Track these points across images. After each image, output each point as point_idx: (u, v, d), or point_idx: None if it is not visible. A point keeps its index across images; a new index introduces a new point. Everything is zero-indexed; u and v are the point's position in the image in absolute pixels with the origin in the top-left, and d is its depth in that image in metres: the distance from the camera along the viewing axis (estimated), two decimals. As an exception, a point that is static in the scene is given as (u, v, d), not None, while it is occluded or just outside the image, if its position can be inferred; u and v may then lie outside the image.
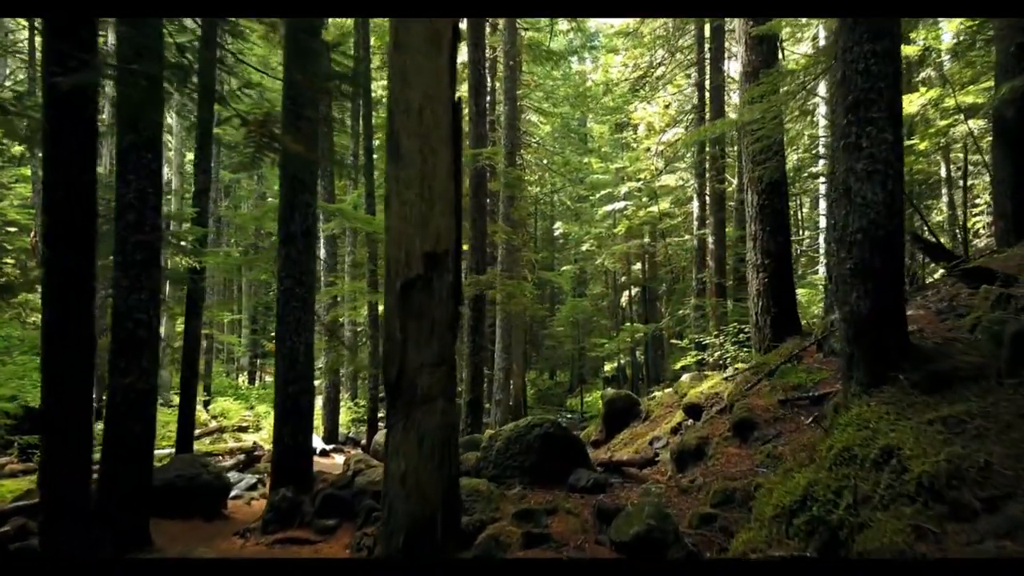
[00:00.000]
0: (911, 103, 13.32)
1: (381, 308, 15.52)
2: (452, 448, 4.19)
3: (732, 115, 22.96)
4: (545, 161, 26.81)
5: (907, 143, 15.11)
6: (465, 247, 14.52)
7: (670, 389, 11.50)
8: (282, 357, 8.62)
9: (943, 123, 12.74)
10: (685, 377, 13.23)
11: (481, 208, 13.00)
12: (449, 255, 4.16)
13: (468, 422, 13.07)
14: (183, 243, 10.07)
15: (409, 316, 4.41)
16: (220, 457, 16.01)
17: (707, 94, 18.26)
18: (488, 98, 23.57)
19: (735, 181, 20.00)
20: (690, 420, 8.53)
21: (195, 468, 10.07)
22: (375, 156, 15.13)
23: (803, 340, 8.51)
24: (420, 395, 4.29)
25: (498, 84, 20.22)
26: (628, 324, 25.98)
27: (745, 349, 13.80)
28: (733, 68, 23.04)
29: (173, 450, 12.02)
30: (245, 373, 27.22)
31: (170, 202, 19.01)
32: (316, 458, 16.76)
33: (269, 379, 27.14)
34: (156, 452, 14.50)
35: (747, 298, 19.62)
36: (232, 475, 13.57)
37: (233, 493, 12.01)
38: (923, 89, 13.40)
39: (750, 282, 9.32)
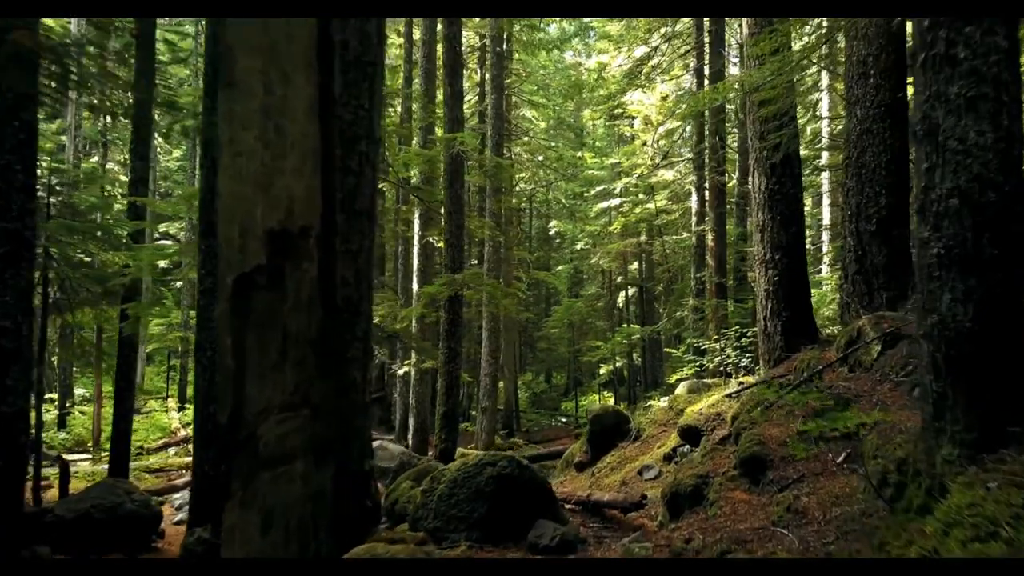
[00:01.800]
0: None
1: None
2: (319, 529, 2.61)
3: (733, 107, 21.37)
4: (541, 158, 25.22)
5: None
6: (441, 244, 12.98)
7: (665, 402, 9.93)
8: (202, 369, 7.06)
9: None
10: (681, 387, 11.69)
11: (457, 199, 11.44)
12: (312, 235, 2.59)
13: (442, 436, 11.51)
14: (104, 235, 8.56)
15: (247, 329, 2.73)
16: (180, 472, 14.48)
17: (706, 81, 16.68)
18: (478, 89, 22.04)
19: (735, 175, 18.42)
20: (687, 446, 6.97)
21: (117, 495, 8.52)
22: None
23: (821, 350, 6.93)
24: (265, 453, 2.65)
25: (487, 75, 18.68)
26: (624, 326, 24.39)
27: (748, 355, 12.23)
28: (734, 54, 21.44)
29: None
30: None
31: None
32: (285, 471, 15.20)
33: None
34: (100, 468, 12.97)
35: (749, 299, 18.03)
36: (183, 496, 12.07)
37: (178, 518, 10.48)
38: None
39: (757, 281, 7.75)
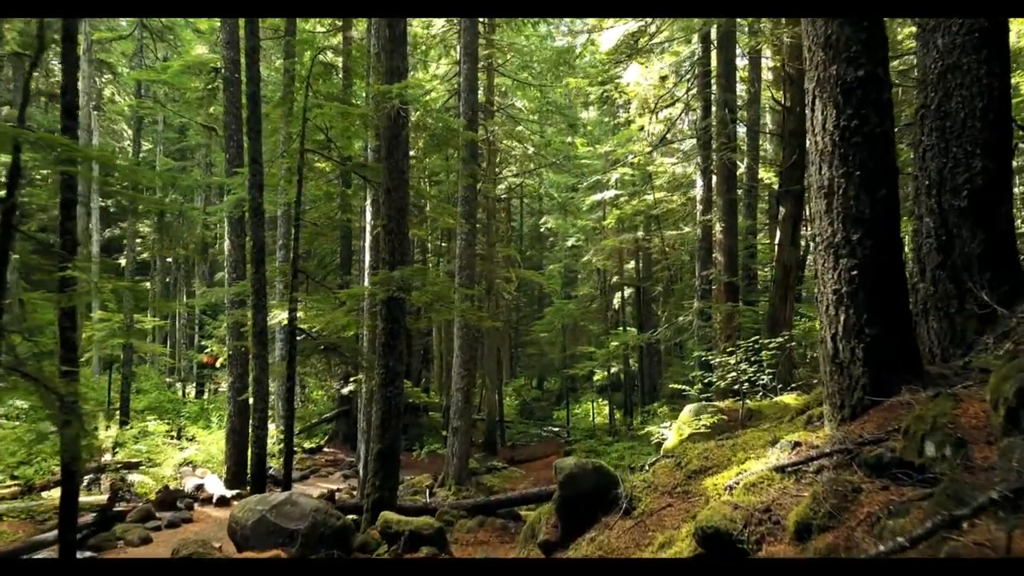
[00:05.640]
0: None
1: (283, 316, 10.85)
2: None
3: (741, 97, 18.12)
4: (532, 150, 22.01)
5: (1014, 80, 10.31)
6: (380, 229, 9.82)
7: (671, 454, 6.78)
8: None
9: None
10: (685, 417, 8.54)
11: (398, 173, 8.29)
12: None
13: (376, 482, 8.35)
14: None
15: None
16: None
17: (713, 44, 13.54)
18: (457, 68, 18.89)
19: (744, 161, 15.22)
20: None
21: None
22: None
23: (956, 399, 3.77)
24: None
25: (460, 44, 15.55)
26: (620, 329, 21.20)
27: (768, 372, 9.10)
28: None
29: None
30: (193, 385, 22.62)
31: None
32: (210, 510, 12.08)
33: (221, 389, 22.55)
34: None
35: (761, 301, 14.75)
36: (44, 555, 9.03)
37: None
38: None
39: (820, 276, 4.60)
